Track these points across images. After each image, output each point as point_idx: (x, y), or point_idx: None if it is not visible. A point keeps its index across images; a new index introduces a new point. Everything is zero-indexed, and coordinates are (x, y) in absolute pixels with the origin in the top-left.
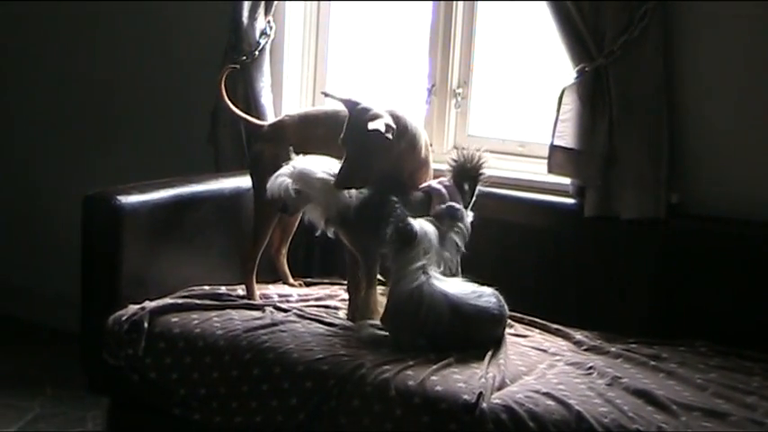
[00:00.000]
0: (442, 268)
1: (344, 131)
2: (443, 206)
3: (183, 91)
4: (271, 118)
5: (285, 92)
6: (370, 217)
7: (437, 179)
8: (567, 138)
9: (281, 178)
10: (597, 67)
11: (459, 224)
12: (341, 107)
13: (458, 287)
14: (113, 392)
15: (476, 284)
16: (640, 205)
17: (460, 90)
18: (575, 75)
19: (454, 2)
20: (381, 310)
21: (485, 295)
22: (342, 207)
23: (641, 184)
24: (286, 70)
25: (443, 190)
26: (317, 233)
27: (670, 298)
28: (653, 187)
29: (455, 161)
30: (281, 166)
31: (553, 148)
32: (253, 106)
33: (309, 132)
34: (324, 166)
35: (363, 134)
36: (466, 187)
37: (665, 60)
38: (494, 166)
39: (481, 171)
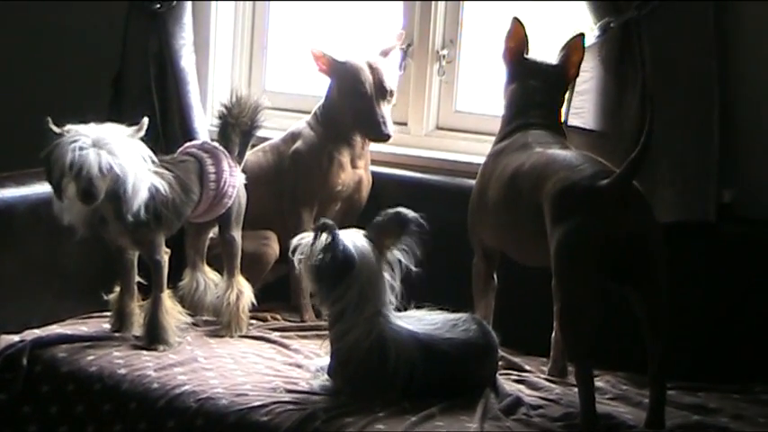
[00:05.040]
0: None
1: None
2: (390, 212)
3: (76, 50)
4: (194, 86)
5: (213, 52)
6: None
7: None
8: (585, 116)
9: (86, 151)
10: (626, 22)
11: (409, 239)
12: None
13: (425, 321)
14: None
15: (445, 312)
16: (682, 205)
17: (446, 51)
18: (596, 32)
19: None
20: (172, 319)
21: (461, 323)
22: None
23: (684, 178)
24: (214, 22)
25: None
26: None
27: (721, 327)
28: (699, 182)
29: (225, 111)
30: None
31: (567, 129)
32: (170, 71)
33: None
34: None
35: None
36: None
37: (717, 14)
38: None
39: (257, 122)
